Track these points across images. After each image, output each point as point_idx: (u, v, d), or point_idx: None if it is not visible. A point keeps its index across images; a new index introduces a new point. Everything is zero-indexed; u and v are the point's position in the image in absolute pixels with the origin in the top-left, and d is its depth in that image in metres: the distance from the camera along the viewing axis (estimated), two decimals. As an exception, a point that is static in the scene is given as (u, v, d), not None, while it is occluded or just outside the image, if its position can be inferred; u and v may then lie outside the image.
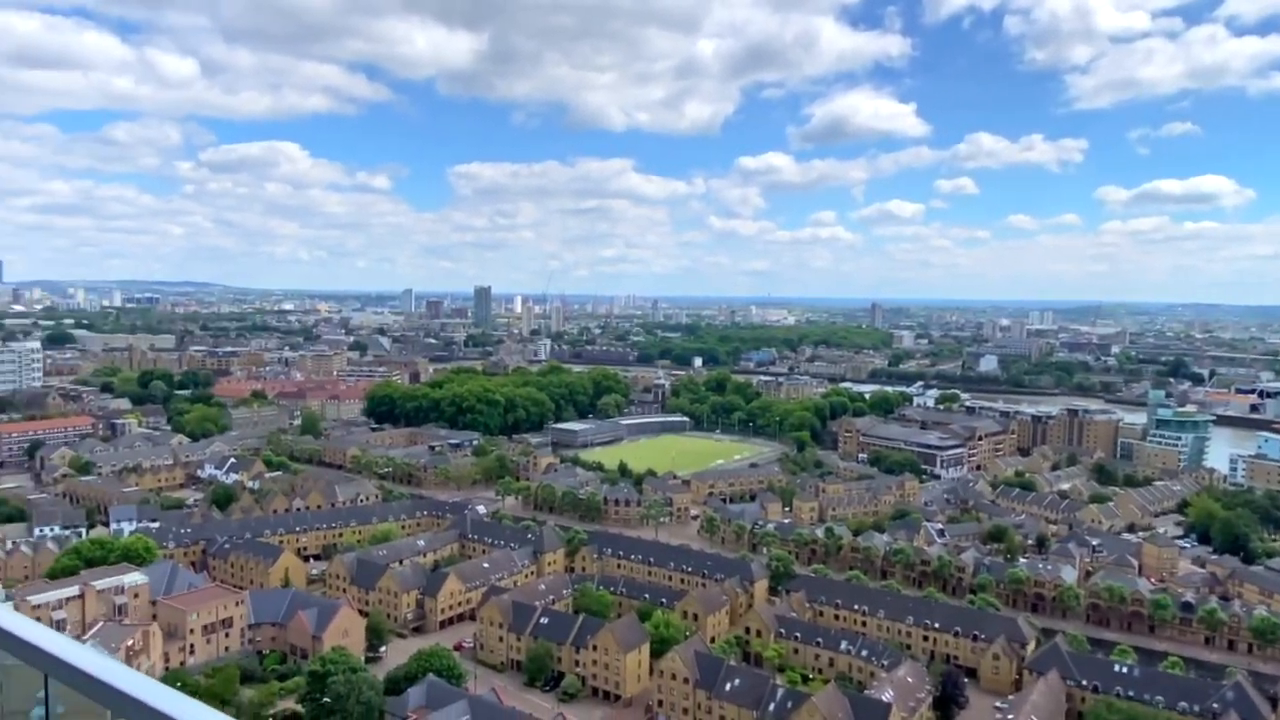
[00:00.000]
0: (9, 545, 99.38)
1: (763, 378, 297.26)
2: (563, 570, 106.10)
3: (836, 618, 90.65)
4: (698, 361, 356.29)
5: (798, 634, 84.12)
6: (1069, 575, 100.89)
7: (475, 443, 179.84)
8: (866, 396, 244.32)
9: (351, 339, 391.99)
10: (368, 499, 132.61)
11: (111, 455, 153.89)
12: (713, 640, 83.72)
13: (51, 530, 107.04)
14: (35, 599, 74.28)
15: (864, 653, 79.60)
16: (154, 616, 78.09)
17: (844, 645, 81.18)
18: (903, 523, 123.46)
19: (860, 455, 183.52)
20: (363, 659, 74.17)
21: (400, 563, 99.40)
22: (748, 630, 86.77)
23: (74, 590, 77.07)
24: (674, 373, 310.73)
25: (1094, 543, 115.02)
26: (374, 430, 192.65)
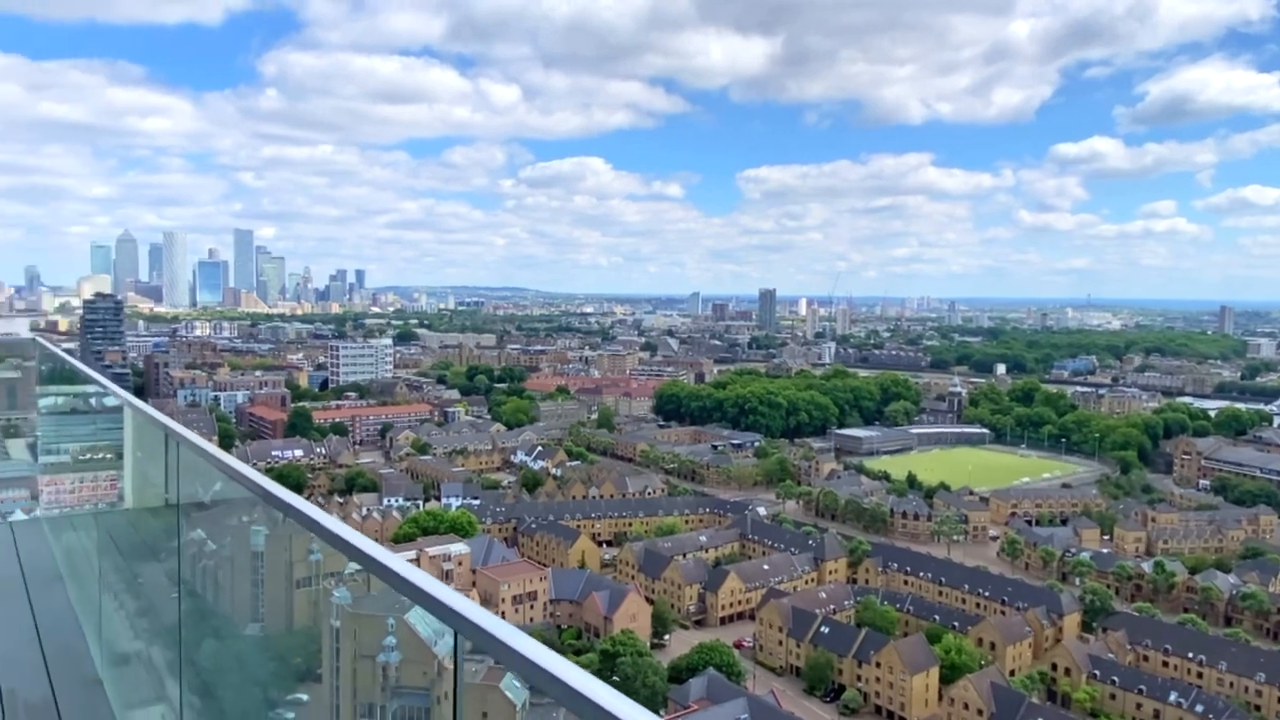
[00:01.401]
0: (364, 511, 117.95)
1: (1079, 389, 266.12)
2: (844, 580, 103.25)
3: (1165, 664, 78.73)
4: (1000, 369, 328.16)
5: (1115, 678, 74.27)
6: None
7: (756, 444, 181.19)
8: (1211, 414, 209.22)
9: (643, 340, 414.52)
10: (654, 492, 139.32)
11: (444, 439, 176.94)
12: (1011, 674, 76.69)
13: (396, 501, 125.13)
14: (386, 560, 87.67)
15: (1199, 708, 68.28)
16: (473, 584, 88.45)
17: (1174, 697, 70.26)
18: (1255, 563, 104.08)
19: (1201, 482, 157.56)
20: (648, 644, 77.92)
21: (684, 556, 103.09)
22: (1054, 667, 78.28)
23: (413, 554, 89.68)
24: (972, 380, 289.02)
25: None
26: (661, 427, 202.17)
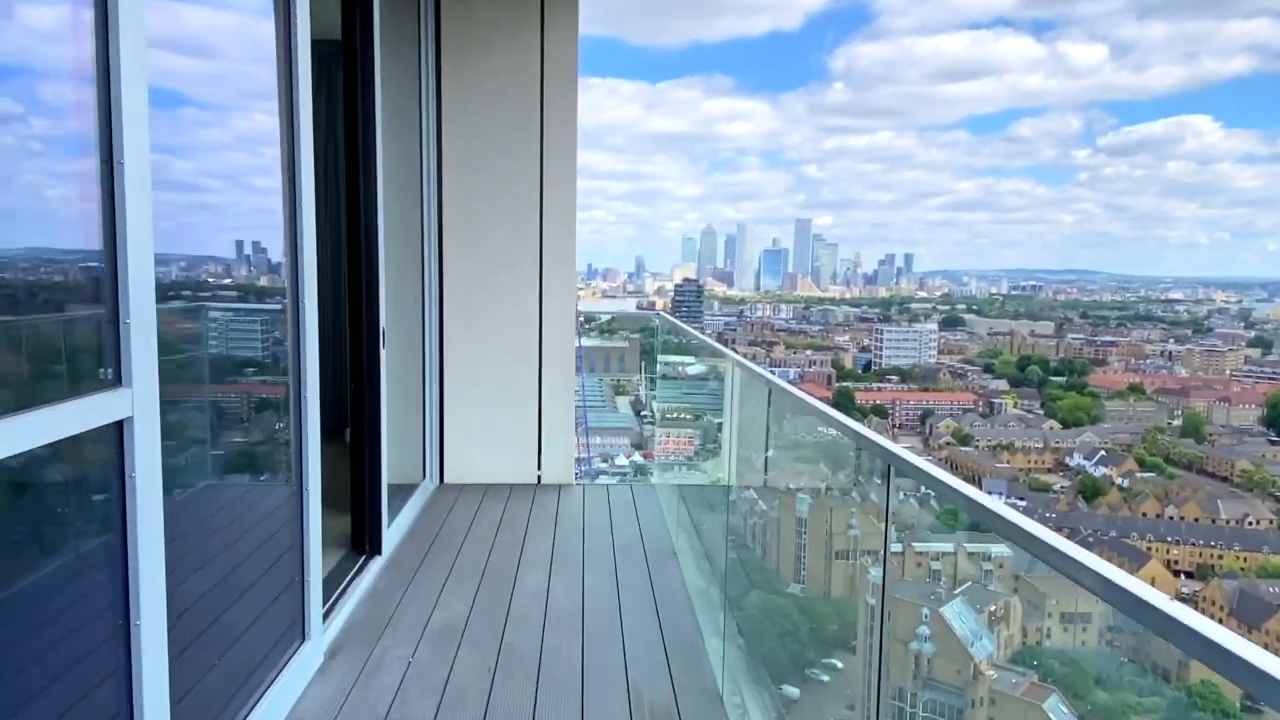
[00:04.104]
0: (900, 496, 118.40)
1: None
2: None
3: None
4: None
5: None
6: None
7: None
8: None
9: (1252, 334, 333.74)
10: (1257, 523, 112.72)
11: (988, 431, 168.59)
12: None
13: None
14: (919, 546, 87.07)
15: None
16: (1015, 590, 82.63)
17: None
18: None
19: None
20: (1236, 705, 63.64)
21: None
22: None
23: (949, 546, 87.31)
24: None
25: None
26: (1272, 443, 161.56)
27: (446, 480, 5.64)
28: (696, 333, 5.92)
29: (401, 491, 4.97)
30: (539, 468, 5.74)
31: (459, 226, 5.50)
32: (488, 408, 5.63)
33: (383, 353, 4.17)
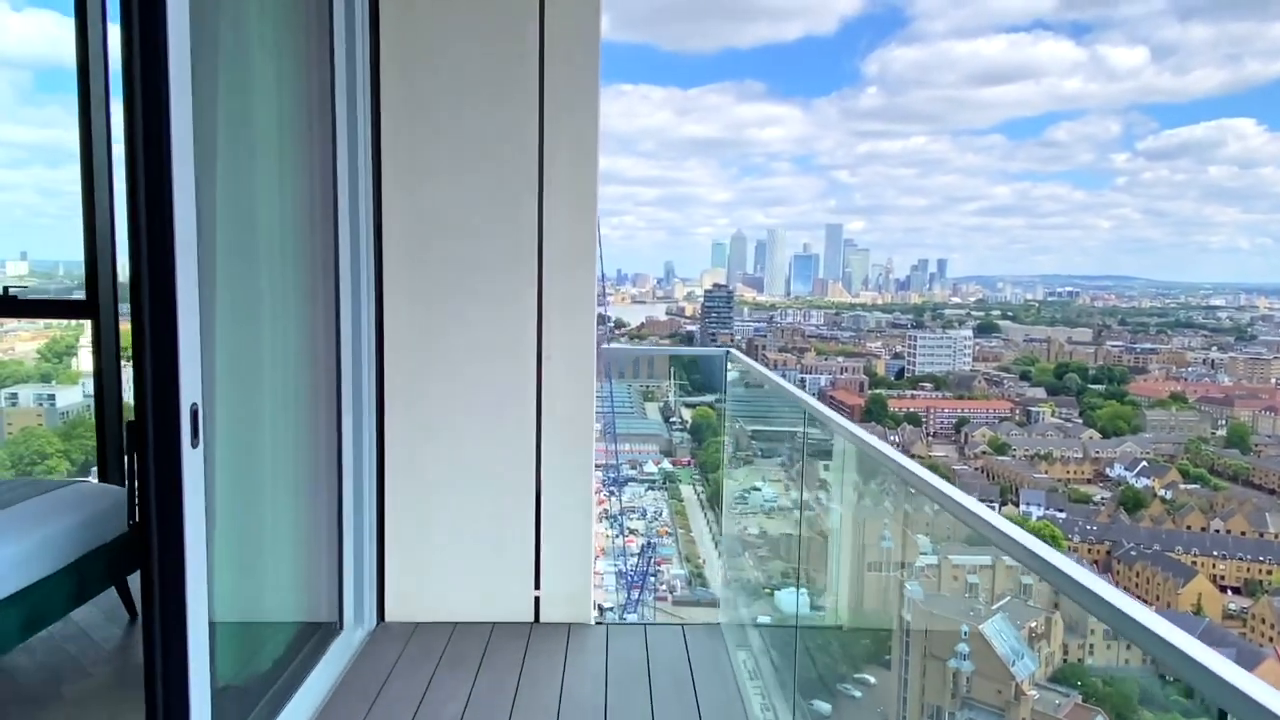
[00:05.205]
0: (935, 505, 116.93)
1: None
2: None
3: None
4: None
5: None
6: None
7: None
8: None
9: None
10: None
11: (1024, 440, 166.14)
12: None
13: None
14: (956, 559, 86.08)
15: None
16: (1056, 605, 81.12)
17: None
18: None
19: None
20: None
21: (1351, 625, 78.88)
22: None
23: (986, 559, 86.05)
24: None
25: None
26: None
27: (389, 618, 3.49)
28: (791, 387, 3.41)
29: (298, 641, 2.94)
30: (536, 589, 3.56)
31: (406, 215, 3.34)
32: (454, 495, 3.50)
33: (185, 442, 1.93)
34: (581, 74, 3.32)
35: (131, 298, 1.86)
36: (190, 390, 1.89)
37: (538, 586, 3.57)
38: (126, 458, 1.96)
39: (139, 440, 1.89)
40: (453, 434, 3.48)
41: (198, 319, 1.93)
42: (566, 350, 3.46)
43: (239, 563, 2.55)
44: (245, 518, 2.64)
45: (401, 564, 3.49)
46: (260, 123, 2.67)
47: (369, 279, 3.28)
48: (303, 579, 3.12)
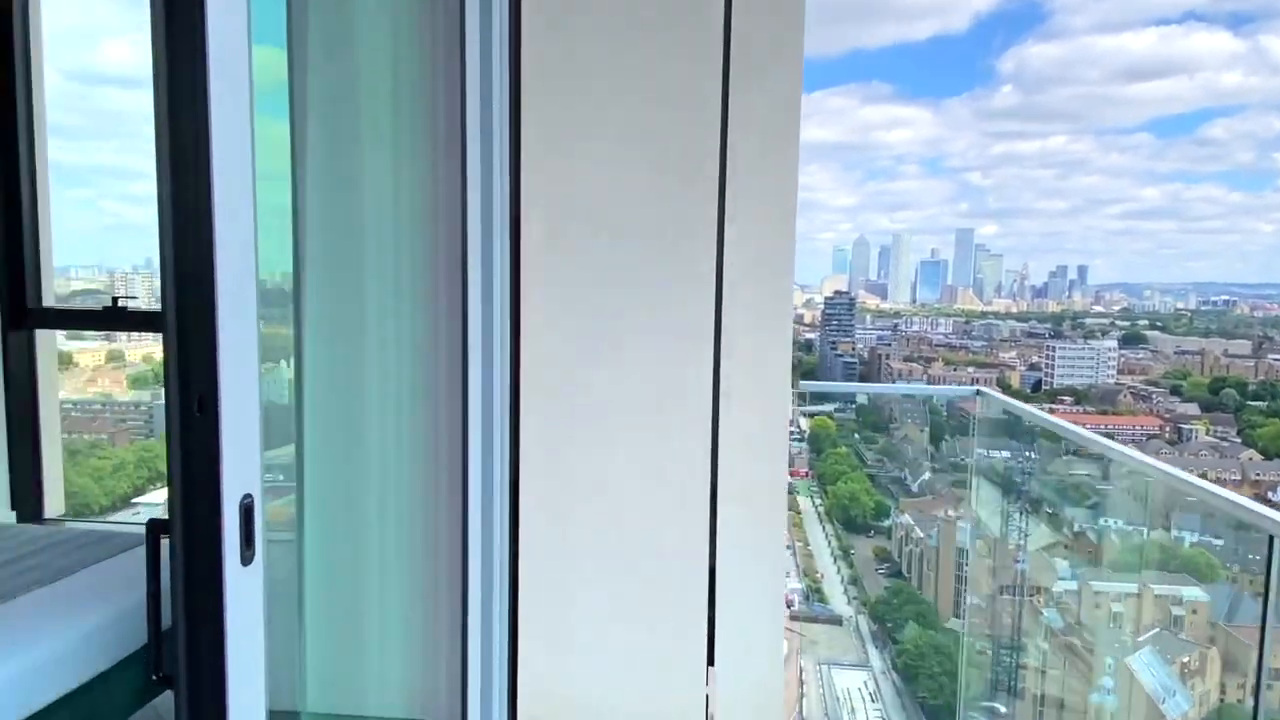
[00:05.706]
0: (1076, 527, 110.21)
1: None
2: None
3: None
4: None
5: None
6: None
7: None
8: None
9: None
10: None
11: (1176, 460, 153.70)
12: None
13: (1115, 523, 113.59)
14: (1097, 585, 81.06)
15: None
16: (1212, 640, 74.83)
17: None
18: None
19: None
20: None
21: None
22: None
23: (1133, 587, 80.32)
24: None
25: None
26: None
27: (523, 715, 2.56)
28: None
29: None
30: (706, 685, 2.55)
31: (550, 216, 2.28)
32: (605, 571, 2.43)
33: (227, 556, 1.20)
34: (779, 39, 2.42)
35: (164, 353, 1.17)
36: (239, 478, 1.21)
37: (707, 684, 2.54)
38: (147, 570, 1.35)
39: (154, 550, 1.31)
40: (602, 494, 2.46)
41: (255, 371, 1.24)
42: (750, 393, 2.51)
43: (333, 650, 2.08)
44: (342, 593, 2.10)
45: (537, 640, 2.53)
46: (375, 110, 2.08)
47: (508, 295, 2.29)
48: (416, 669, 2.38)
